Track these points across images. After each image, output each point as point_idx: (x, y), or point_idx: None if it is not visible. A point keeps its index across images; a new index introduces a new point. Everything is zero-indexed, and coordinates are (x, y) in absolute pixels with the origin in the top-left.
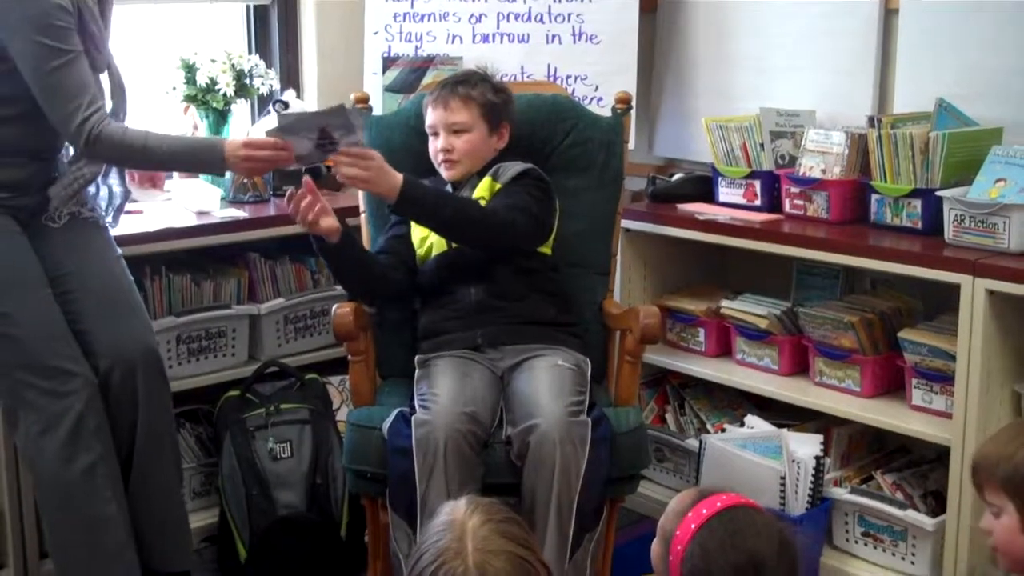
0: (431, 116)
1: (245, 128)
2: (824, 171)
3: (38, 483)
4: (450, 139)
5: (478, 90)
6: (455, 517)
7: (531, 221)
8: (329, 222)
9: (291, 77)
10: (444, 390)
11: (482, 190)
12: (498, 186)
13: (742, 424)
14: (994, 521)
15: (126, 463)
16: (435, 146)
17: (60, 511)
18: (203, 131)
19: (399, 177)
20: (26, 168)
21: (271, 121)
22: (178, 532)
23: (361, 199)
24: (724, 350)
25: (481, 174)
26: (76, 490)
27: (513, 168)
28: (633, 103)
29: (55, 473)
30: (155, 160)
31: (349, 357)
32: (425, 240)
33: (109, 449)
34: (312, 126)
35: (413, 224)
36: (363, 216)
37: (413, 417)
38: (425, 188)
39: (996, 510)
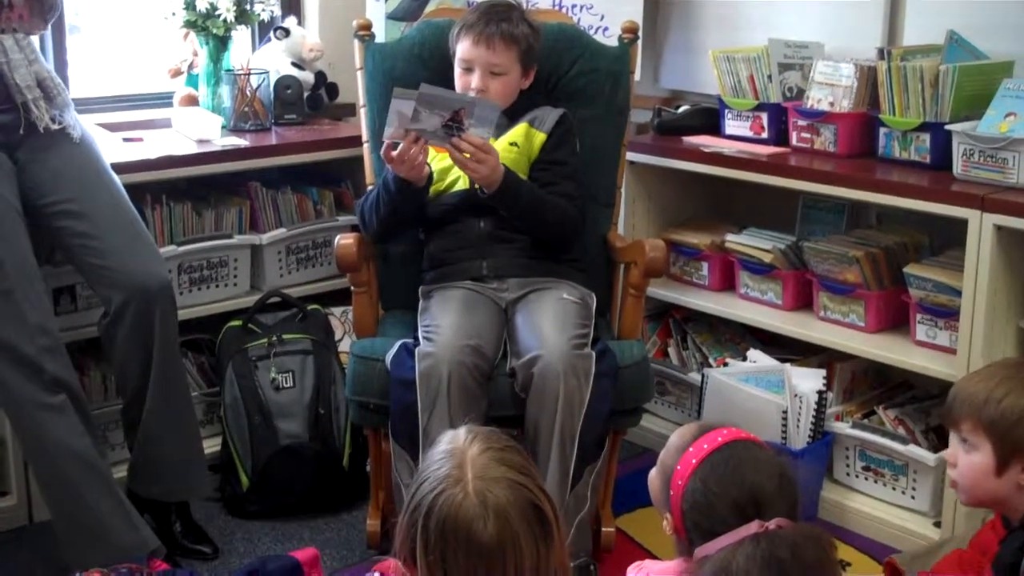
0: (469, 51)
1: (246, 55)
2: (832, 104)
3: (13, 424)
4: (486, 79)
5: (520, 30)
6: (455, 446)
7: (582, 213)
8: (427, 169)
9: (292, 3)
10: (448, 322)
11: (516, 135)
12: (539, 135)
13: (745, 358)
14: (962, 455)
15: (136, 397)
16: (466, 81)
17: (38, 449)
18: (203, 58)
19: (501, 170)
20: None
21: (275, 48)
22: (197, 460)
23: (364, 128)
24: (727, 284)
25: (511, 115)
26: (49, 427)
27: (551, 116)
28: (640, 33)
29: (26, 413)
30: None
31: (352, 288)
32: (447, 173)
33: (76, 395)
34: (450, 107)
35: (432, 158)
36: (366, 146)
37: (417, 349)
38: (520, 185)
39: (969, 447)
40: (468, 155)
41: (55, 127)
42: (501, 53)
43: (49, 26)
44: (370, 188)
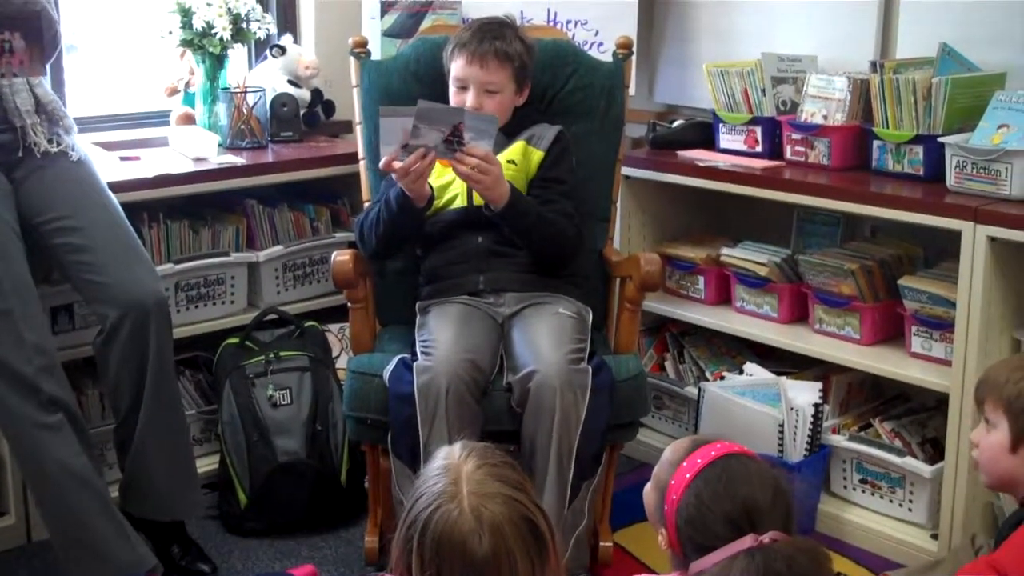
0: (463, 70)
1: (242, 73)
2: (826, 117)
3: (9, 442)
4: (481, 98)
5: (513, 48)
6: (450, 462)
7: (580, 232)
8: (428, 190)
9: (288, 21)
10: (445, 337)
11: (514, 153)
12: (537, 152)
13: (741, 372)
14: (985, 436)
15: (129, 415)
16: (461, 100)
17: (35, 468)
18: (200, 76)
19: (507, 186)
20: None
21: (271, 66)
22: (191, 479)
23: (360, 145)
24: (723, 298)
25: (507, 132)
26: (47, 446)
27: (548, 134)
28: (634, 48)
29: (22, 432)
30: None
31: (349, 304)
32: (446, 190)
33: (73, 415)
34: (448, 121)
35: (432, 175)
36: (362, 163)
37: (415, 364)
38: (526, 203)
39: (990, 426)
40: (472, 167)
41: (54, 150)
42: (495, 71)
43: (48, 68)
44: (367, 205)
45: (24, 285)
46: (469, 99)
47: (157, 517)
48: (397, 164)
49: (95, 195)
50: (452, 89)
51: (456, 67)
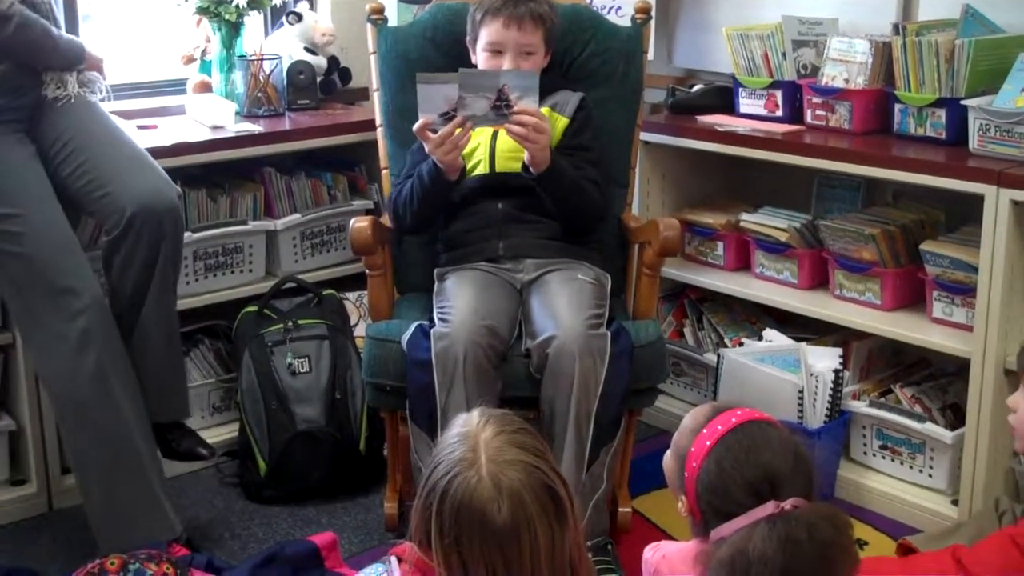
0: (499, 33)
1: (258, 41)
2: (847, 81)
3: (52, 399)
4: (517, 61)
5: (544, 9)
6: (468, 429)
7: (605, 199)
8: (461, 161)
9: None
10: (463, 303)
11: None
12: (562, 119)
13: (760, 338)
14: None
15: (131, 309)
16: (495, 64)
17: (75, 426)
18: (216, 44)
19: (548, 150)
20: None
21: (287, 33)
22: (179, 380)
23: (377, 113)
24: (743, 264)
25: None
26: (88, 404)
27: (572, 100)
28: (652, 13)
29: (66, 388)
30: (59, 51)
31: (367, 271)
32: (469, 157)
33: (119, 362)
34: (493, 85)
35: None
36: (380, 130)
37: (432, 330)
38: (564, 165)
39: None
40: (530, 127)
41: (63, 93)
42: (530, 33)
43: None
44: (396, 182)
45: (65, 238)
46: (506, 63)
47: (154, 417)
48: (432, 134)
49: (97, 115)
50: (483, 55)
51: (490, 32)
